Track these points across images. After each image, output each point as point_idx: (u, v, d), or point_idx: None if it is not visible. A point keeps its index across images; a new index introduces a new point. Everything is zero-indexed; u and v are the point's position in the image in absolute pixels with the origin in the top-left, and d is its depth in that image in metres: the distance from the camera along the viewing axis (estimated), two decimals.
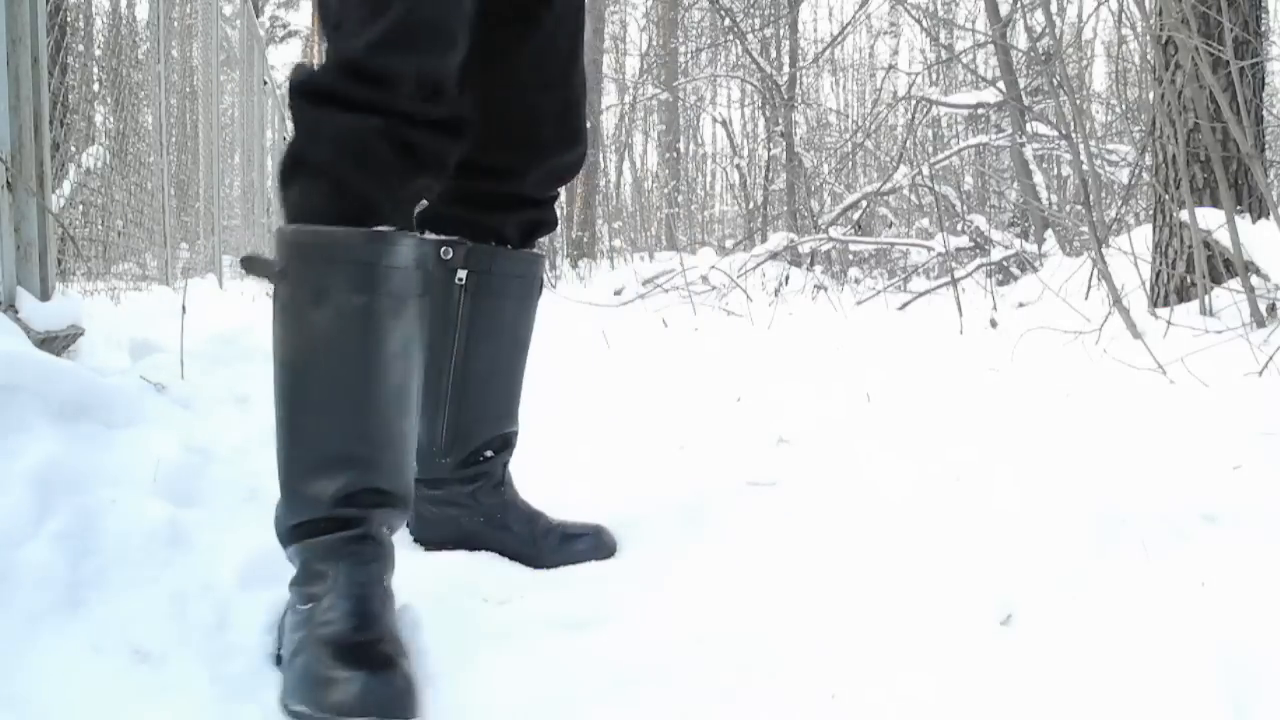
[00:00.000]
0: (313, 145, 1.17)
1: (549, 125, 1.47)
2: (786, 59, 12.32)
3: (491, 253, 1.48)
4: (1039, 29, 7.72)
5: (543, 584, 1.42)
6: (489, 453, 1.54)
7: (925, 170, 7.13)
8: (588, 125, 1.56)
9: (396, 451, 1.19)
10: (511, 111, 1.44)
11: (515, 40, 1.41)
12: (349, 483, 1.15)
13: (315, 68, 1.20)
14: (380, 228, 1.16)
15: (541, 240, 1.59)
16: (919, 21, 9.68)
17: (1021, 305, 4.90)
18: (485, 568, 1.49)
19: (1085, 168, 4.00)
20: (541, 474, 1.77)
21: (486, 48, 1.36)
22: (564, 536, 1.52)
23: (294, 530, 1.17)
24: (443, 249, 1.44)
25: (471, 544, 1.54)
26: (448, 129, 1.22)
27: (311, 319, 1.15)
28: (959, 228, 7.18)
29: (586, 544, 1.51)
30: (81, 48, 4.36)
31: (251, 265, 1.18)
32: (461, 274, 1.46)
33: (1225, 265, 3.15)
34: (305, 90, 1.18)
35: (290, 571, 1.20)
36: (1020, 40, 8.59)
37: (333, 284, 1.15)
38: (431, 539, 1.56)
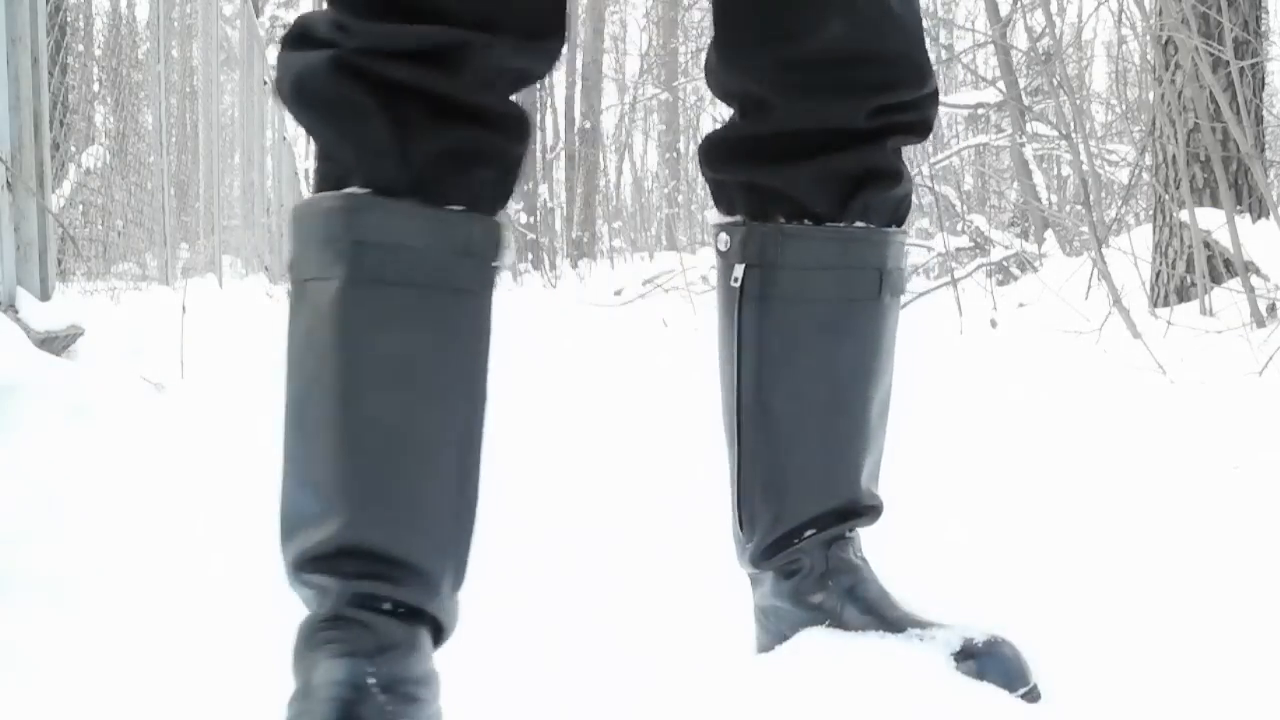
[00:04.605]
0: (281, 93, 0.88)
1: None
2: None
3: (779, 235, 0.94)
4: (1039, 29, 7.72)
5: None
6: (809, 532, 0.99)
7: (925, 170, 7.12)
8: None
9: (400, 512, 0.84)
10: None
11: None
12: (321, 542, 0.82)
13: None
14: (352, 189, 0.83)
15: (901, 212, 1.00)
16: None
17: (1021, 305, 4.90)
18: None
19: (1085, 168, 4.01)
20: (540, 479, 1.77)
21: None
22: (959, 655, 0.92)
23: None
24: (720, 236, 0.97)
25: None
26: (429, 59, 0.82)
27: (294, 321, 0.87)
28: (959, 228, 7.18)
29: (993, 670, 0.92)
30: (81, 48, 4.36)
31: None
32: (738, 270, 0.95)
33: (1225, 265, 3.15)
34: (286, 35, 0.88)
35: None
36: (1020, 40, 8.59)
37: (305, 271, 0.85)
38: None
